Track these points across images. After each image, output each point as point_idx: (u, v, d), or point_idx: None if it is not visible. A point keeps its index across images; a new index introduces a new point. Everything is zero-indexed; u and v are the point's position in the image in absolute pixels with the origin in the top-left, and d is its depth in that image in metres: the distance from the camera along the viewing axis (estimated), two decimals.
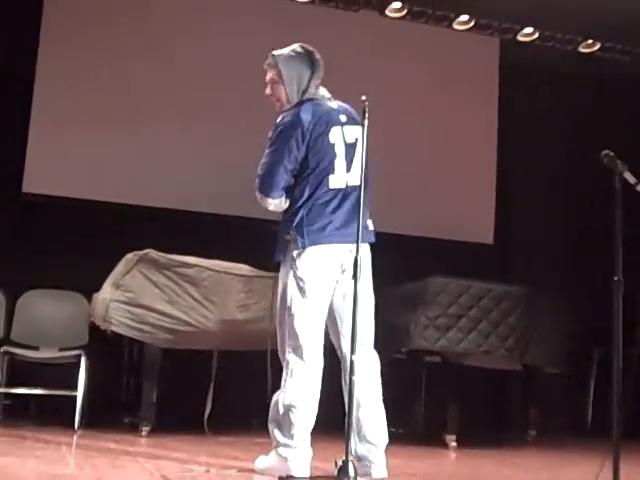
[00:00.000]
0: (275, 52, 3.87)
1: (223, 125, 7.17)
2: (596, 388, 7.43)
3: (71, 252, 6.51)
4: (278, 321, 3.74)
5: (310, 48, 3.84)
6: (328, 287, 3.65)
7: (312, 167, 3.65)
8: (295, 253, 3.65)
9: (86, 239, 6.57)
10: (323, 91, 3.84)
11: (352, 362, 3.27)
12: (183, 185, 6.94)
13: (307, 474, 3.48)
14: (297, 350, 3.59)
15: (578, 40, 7.97)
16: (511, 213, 8.13)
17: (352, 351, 3.28)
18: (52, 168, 6.77)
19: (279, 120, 3.73)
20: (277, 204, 3.73)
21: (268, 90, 3.89)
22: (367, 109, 3.46)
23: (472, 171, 7.90)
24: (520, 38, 7.97)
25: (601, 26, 7.58)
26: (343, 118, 3.76)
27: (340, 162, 3.68)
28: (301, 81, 3.78)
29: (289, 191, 3.71)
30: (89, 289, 5.55)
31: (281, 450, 3.54)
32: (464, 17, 7.80)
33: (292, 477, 3.42)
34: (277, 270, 5.27)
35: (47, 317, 5.88)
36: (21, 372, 5.58)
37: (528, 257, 8.05)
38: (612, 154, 3.79)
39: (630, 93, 8.09)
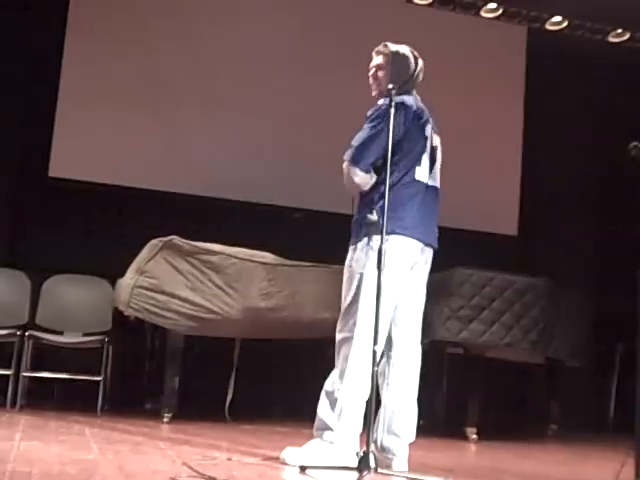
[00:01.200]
0: (388, 43, 3.98)
1: (251, 111, 7.17)
2: (619, 383, 7.38)
3: (96, 237, 6.55)
4: (345, 307, 3.70)
5: (416, 54, 3.98)
6: (401, 279, 3.67)
7: (405, 153, 3.69)
8: (376, 237, 3.59)
9: (111, 225, 6.62)
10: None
11: (374, 352, 3.27)
12: (209, 172, 6.96)
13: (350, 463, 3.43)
14: (365, 340, 3.57)
15: (607, 29, 7.89)
16: (536, 205, 8.08)
17: (374, 342, 3.27)
18: (79, 153, 6.80)
19: (381, 102, 3.76)
20: (363, 178, 3.69)
21: (370, 73, 3.95)
22: (393, 97, 3.50)
23: (497, 161, 7.86)
24: (548, 27, 7.90)
25: (631, 15, 7.49)
26: (432, 122, 3.88)
27: (426, 158, 3.78)
28: (405, 75, 3.86)
29: (377, 172, 3.72)
30: (113, 275, 5.59)
31: (328, 436, 3.54)
32: (492, 5, 7.75)
33: (312, 467, 3.41)
34: (300, 259, 5.33)
35: (71, 302, 5.93)
36: (45, 356, 5.63)
37: (552, 249, 8.00)
38: None
39: None
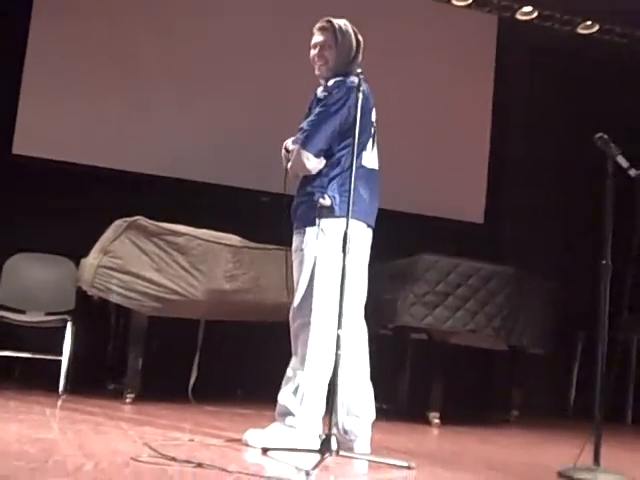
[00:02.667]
0: (332, 19, 3.87)
1: (219, 93, 7.13)
2: (580, 370, 7.48)
3: (60, 216, 6.48)
4: (300, 293, 3.69)
5: (356, 29, 3.89)
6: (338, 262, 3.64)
7: (349, 140, 3.60)
8: (327, 221, 3.64)
9: (76, 204, 6.53)
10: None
11: (338, 337, 3.27)
12: (176, 153, 6.92)
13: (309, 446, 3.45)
14: (323, 325, 3.59)
15: (577, 21, 7.94)
16: (502, 193, 8.14)
17: (338, 326, 3.28)
18: (44, 130, 6.72)
19: (332, 84, 3.72)
20: (314, 162, 3.69)
21: (316, 52, 3.87)
22: (362, 82, 3.48)
23: (465, 149, 7.90)
24: (519, 17, 7.94)
25: (600, 8, 7.55)
26: (371, 98, 3.83)
27: (370, 142, 3.78)
28: (350, 53, 3.82)
29: (326, 156, 3.72)
30: (77, 254, 5.53)
31: (290, 420, 3.55)
32: None
33: (273, 449, 3.41)
34: (263, 242, 5.31)
35: (34, 281, 5.87)
36: (7, 335, 5.56)
37: (518, 237, 8.07)
38: (605, 137, 3.79)
39: (626, 76, 8.07)
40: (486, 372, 7.70)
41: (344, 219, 3.41)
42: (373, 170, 3.80)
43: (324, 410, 3.56)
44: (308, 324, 3.63)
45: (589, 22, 7.93)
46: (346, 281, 3.36)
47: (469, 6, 7.87)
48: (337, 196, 3.65)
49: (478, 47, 8.11)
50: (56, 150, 6.70)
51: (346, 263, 3.33)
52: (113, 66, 6.91)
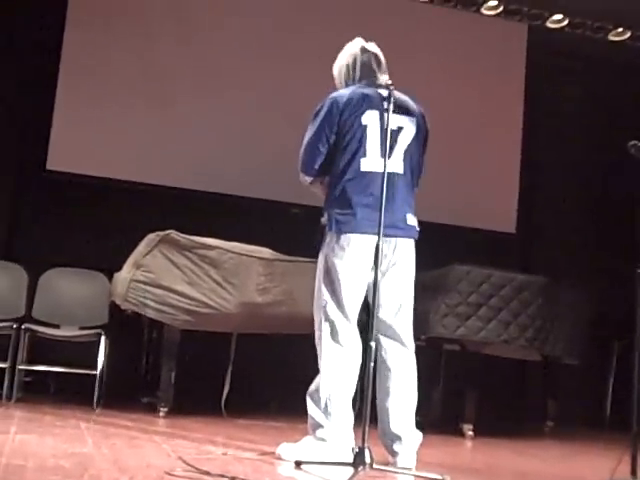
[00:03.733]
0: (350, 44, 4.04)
1: (250, 106, 7.15)
2: (615, 380, 7.38)
3: (93, 231, 6.55)
4: (314, 306, 3.74)
5: (365, 45, 3.98)
6: (360, 277, 3.65)
7: (342, 147, 3.68)
8: (329, 238, 3.70)
9: (109, 218, 6.60)
10: (381, 79, 3.85)
11: (370, 348, 3.27)
12: (208, 166, 6.95)
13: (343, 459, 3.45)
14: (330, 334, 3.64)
15: (608, 28, 7.88)
16: (534, 203, 8.09)
17: (370, 338, 3.28)
18: (77, 146, 6.78)
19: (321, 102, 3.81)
20: (314, 183, 3.80)
21: None
22: (392, 94, 3.48)
23: (496, 159, 7.86)
24: (549, 25, 7.89)
25: (632, 14, 7.49)
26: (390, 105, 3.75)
27: (373, 145, 3.67)
28: (342, 73, 3.95)
29: (327, 172, 3.77)
30: (111, 268, 5.58)
31: (319, 433, 3.56)
32: (493, 2, 7.74)
33: (307, 462, 3.41)
34: (295, 254, 5.33)
35: (68, 295, 5.92)
36: (41, 349, 5.62)
37: (550, 247, 8.00)
38: (639, 144, 3.75)
39: None
40: (520, 383, 7.63)
41: (344, 235, 3.60)
42: (391, 174, 3.58)
43: (352, 421, 3.57)
44: (320, 337, 3.67)
45: (620, 29, 7.86)
46: (348, 292, 3.59)
47: (499, 15, 7.84)
48: (334, 212, 3.67)
49: (508, 56, 8.07)
50: (89, 165, 6.76)
51: (377, 277, 3.35)
52: (143, 81, 6.97)
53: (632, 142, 3.78)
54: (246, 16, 7.31)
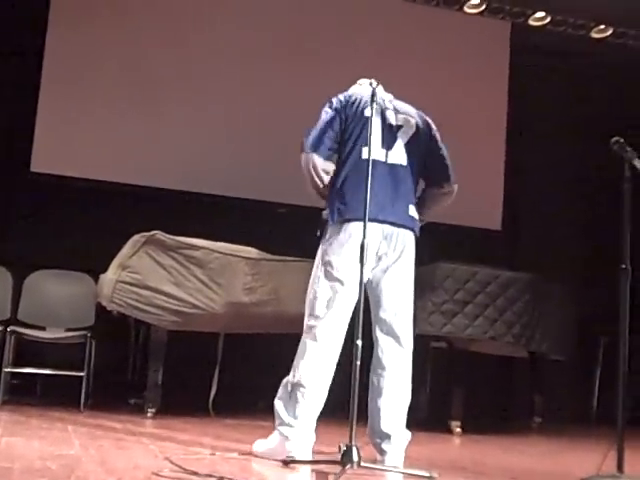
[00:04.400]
0: None
1: (235, 108, 7.15)
2: (602, 375, 7.43)
3: (78, 232, 6.52)
4: (306, 299, 3.75)
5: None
6: (356, 271, 3.63)
7: (347, 136, 3.75)
8: (328, 234, 3.71)
9: (93, 220, 6.58)
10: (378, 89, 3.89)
11: (356, 346, 3.27)
12: (192, 166, 6.94)
13: (308, 456, 3.49)
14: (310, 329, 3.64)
15: (590, 25, 7.92)
16: (519, 199, 8.11)
17: (355, 335, 3.28)
18: (60, 148, 6.76)
19: None
20: (323, 164, 3.72)
21: None
22: (376, 92, 3.56)
23: (481, 156, 7.86)
24: (531, 22, 7.92)
25: (614, 11, 7.53)
26: (389, 105, 3.88)
27: (375, 136, 3.73)
28: None
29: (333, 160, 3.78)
30: (96, 270, 5.55)
31: (282, 429, 3.55)
32: (475, 0, 7.75)
33: (295, 461, 3.42)
34: (281, 253, 5.34)
35: (54, 297, 5.90)
36: (28, 352, 5.59)
37: (536, 243, 8.03)
38: (622, 141, 3.77)
39: None
40: (507, 379, 7.66)
41: (344, 224, 3.62)
42: (392, 165, 3.74)
43: (313, 419, 3.58)
44: (304, 331, 3.69)
45: (602, 26, 7.90)
46: (342, 289, 3.59)
47: (481, 13, 7.87)
48: (335, 200, 3.70)
49: (492, 54, 8.10)
50: (73, 167, 6.74)
51: (362, 273, 3.35)
52: (127, 82, 6.95)
53: (614, 139, 3.80)
54: (232, 17, 7.31)
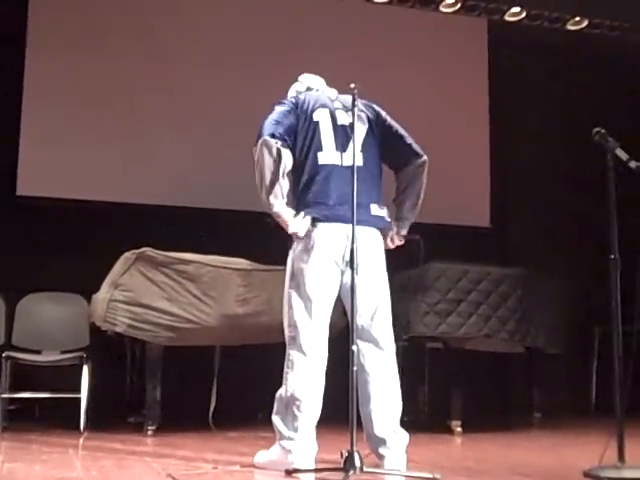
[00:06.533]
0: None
1: (217, 121, 7.14)
2: (598, 367, 7.44)
3: (68, 253, 6.51)
4: (283, 312, 3.77)
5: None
6: (328, 278, 3.65)
7: (299, 145, 3.73)
8: (295, 243, 3.74)
9: (82, 239, 6.56)
10: (321, 85, 4.05)
11: (352, 352, 3.28)
12: (177, 181, 6.93)
13: (311, 467, 3.49)
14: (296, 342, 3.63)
15: (566, 18, 7.95)
16: (507, 195, 8.13)
17: (351, 341, 3.29)
18: (45, 170, 6.74)
19: None
20: (280, 148, 3.65)
21: None
22: (356, 96, 3.58)
23: (465, 154, 7.89)
24: (508, 18, 7.94)
25: (588, 2, 7.56)
26: (337, 104, 3.87)
27: (327, 140, 3.73)
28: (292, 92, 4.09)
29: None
30: (88, 290, 5.55)
31: (284, 443, 3.56)
32: None
33: (298, 470, 3.42)
34: (271, 263, 5.34)
35: (47, 320, 5.89)
36: (24, 376, 5.57)
37: (526, 238, 8.05)
38: (603, 131, 3.79)
39: (621, 69, 8.07)
40: (505, 376, 7.67)
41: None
42: (348, 167, 3.61)
43: (312, 429, 3.58)
44: (287, 343, 3.72)
45: (578, 18, 7.93)
46: (315, 295, 3.61)
47: (457, 12, 7.89)
48: (299, 209, 3.71)
49: (470, 51, 8.12)
50: (59, 188, 6.72)
51: (354, 279, 3.37)
52: (110, 101, 6.94)
53: (596, 129, 3.81)
54: (214, 30, 7.31)
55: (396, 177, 3.96)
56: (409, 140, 3.93)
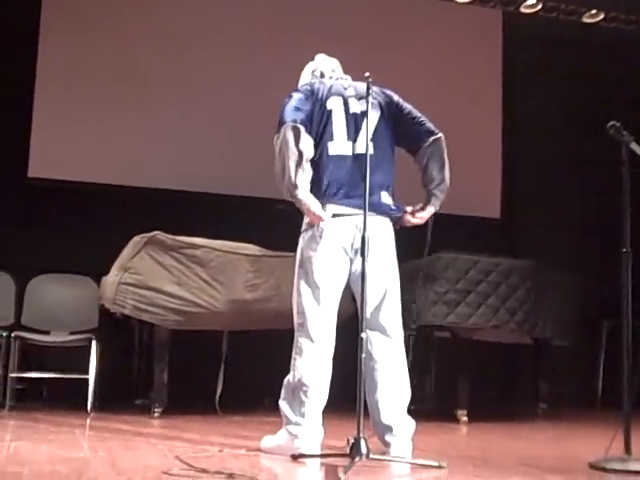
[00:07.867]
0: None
1: (228, 106, 7.14)
2: (606, 360, 7.43)
3: (79, 236, 6.52)
4: (293, 300, 3.78)
5: (319, 55, 4.13)
6: (337, 266, 3.65)
7: (314, 133, 3.69)
8: (303, 227, 3.73)
9: (93, 223, 6.58)
10: (338, 73, 4.01)
11: (361, 339, 3.28)
12: (190, 166, 6.94)
13: (317, 452, 3.50)
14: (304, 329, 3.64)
15: (582, 10, 7.91)
16: (517, 187, 8.11)
17: (360, 328, 3.29)
18: (57, 152, 6.75)
19: None
20: (303, 134, 3.60)
21: None
22: (371, 85, 3.54)
23: (477, 145, 7.86)
24: (523, 10, 7.91)
25: None
26: (350, 92, 3.83)
27: (339, 129, 3.72)
28: (306, 78, 4.09)
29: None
30: (98, 272, 5.57)
31: (291, 428, 3.57)
32: None
33: (304, 455, 3.43)
34: (281, 250, 5.35)
35: (57, 301, 5.91)
36: (32, 357, 5.61)
37: (535, 230, 8.02)
38: (618, 125, 3.77)
39: (636, 62, 8.02)
40: (512, 367, 7.67)
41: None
42: (360, 155, 3.61)
43: (319, 414, 3.59)
44: (295, 329, 3.73)
45: (594, 11, 7.89)
46: (323, 283, 3.62)
47: (472, 2, 7.86)
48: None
49: (484, 43, 8.09)
50: (70, 171, 6.74)
51: (365, 267, 3.36)
52: (122, 84, 6.95)
53: (611, 123, 3.80)
54: (224, 18, 7.30)
55: (415, 159, 3.91)
56: (423, 120, 3.89)
